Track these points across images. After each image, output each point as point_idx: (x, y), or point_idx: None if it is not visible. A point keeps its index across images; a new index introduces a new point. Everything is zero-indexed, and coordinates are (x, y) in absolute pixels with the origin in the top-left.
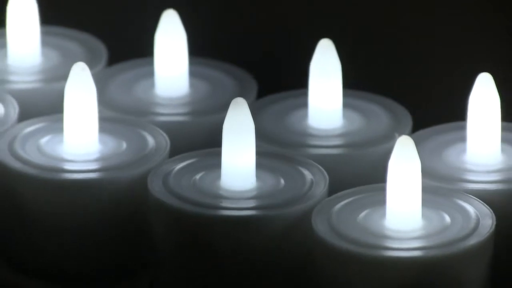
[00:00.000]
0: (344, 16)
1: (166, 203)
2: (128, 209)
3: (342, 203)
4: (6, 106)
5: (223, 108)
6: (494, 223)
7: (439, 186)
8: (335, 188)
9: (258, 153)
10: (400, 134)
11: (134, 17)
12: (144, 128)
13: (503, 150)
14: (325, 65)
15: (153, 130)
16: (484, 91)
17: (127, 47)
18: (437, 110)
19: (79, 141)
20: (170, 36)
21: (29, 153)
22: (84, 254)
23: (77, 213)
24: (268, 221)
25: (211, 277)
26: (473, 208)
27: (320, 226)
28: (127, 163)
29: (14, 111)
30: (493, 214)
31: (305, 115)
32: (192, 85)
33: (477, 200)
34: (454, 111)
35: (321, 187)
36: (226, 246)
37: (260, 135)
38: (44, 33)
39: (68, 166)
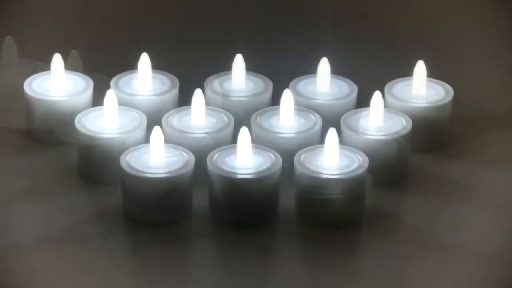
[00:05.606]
0: (304, 65)
1: (214, 171)
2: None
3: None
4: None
5: (238, 127)
6: (367, 163)
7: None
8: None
9: (255, 147)
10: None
11: (197, 74)
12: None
13: (384, 122)
14: (287, 100)
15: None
16: (376, 99)
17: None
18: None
19: None
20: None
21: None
22: (171, 204)
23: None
24: (261, 180)
25: (235, 209)
26: (359, 156)
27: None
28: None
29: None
30: (367, 158)
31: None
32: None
33: (361, 151)
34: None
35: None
36: (240, 194)
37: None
38: (153, 77)
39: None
